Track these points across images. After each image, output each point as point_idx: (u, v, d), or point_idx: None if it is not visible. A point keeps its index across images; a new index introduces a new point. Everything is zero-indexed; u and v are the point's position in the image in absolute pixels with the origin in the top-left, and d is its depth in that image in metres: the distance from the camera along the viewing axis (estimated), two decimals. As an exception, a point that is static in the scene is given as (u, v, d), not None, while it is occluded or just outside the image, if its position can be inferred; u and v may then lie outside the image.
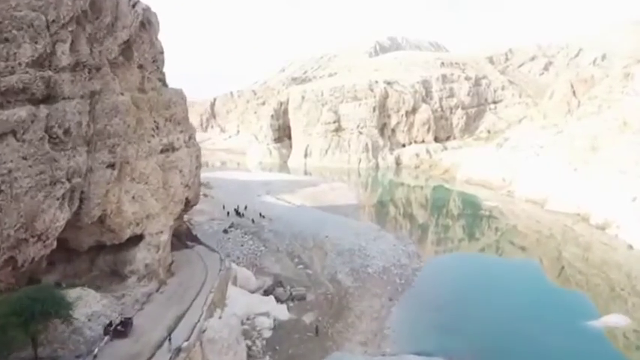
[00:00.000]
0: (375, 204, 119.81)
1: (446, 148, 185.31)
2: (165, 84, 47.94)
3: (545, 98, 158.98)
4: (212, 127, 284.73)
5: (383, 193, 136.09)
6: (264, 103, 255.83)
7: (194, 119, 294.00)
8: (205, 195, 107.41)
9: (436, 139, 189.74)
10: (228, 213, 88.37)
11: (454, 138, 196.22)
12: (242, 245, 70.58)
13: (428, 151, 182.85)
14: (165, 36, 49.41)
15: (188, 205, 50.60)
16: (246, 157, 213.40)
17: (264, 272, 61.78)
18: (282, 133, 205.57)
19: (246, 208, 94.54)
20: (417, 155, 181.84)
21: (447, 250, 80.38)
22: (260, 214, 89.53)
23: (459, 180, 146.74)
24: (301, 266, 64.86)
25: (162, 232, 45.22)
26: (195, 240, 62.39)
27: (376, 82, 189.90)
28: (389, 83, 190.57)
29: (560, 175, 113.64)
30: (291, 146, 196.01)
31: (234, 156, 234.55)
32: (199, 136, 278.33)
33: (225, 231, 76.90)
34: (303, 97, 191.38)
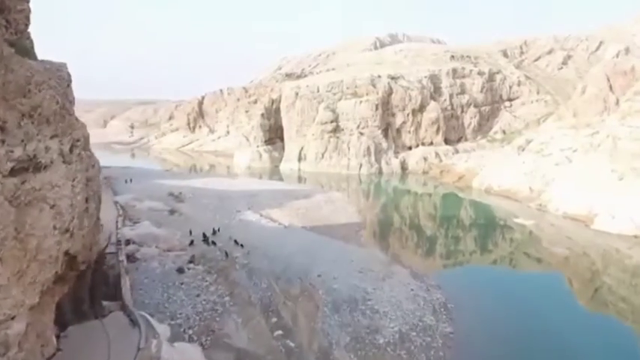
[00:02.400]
0: (380, 220, 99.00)
1: (457, 151, 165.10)
2: (27, 53, 27.18)
3: (576, 94, 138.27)
4: (200, 127, 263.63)
5: (389, 205, 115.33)
6: (256, 102, 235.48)
7: (181, 119, 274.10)
8: (172, 212, 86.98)
9: (446, 141, 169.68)
10: (192, 241, 67.43)
11: (466, 139, 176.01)
12: (198, 295, 49.65)
13: (437, 155, 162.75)
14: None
15: (75, 264, 29.63)
16: (234, 160, 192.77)
17: (223, 347, 40.90)
18: (274, 135, 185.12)
19: (216, 231, 73.80)
20: (426, 159, 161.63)
21: (486, 295, 59.20)
22: (235, 242, 68.83)
23: (477, 189, 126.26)
24: (280, 332, 43.93)
25: (12, 318, 24.46)
26: (119, 297, 41.78)
27: (379, 76, 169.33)
28: (393, 78, 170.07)
29: (605, 185, 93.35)
30: (283, 149, 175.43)
31: (224, 159, 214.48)
32: (187, 137, 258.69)
33: (181, 270, 55.99)
34: (296, 94, 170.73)
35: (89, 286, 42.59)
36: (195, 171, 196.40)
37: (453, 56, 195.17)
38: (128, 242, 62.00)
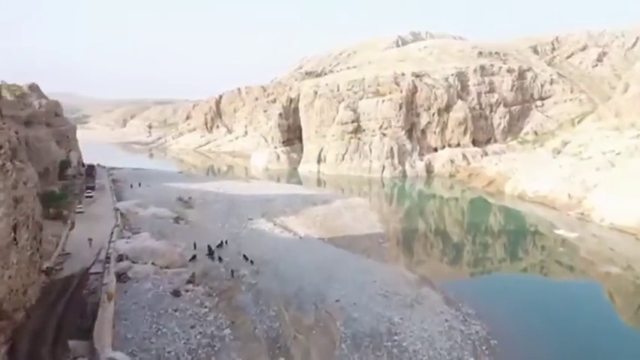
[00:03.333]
0: (405, 229, 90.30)
1: (486, 153, 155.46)
2: None
3: (617, 93, 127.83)
4: (217, 127, 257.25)
5: (414, 212, 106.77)
6: (274, 101, 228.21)
7: (198, 119, 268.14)
8: (178, 220, 79.87)
9: (474, 142, 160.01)
10: (194, 256, 60.00)
11: (495, 141, 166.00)
12: (193, 326, 42.05)
13: (465, 157, 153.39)
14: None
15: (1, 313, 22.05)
16: (251, 161, 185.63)
17: (217, 400, 33.31)
18: (293, 135, 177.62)
19: (224, 244, 66.32)
20: (452, 161, 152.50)
21: (534, 326, 50.24)
22: (244, 257, 61.23)
23: (509, 194, 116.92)
24: (288, 378, 36.25)
25: None
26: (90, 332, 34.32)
27: (402, 74, 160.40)
28: (418, 76, 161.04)
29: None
30: (302, 150, 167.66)
31: (242, 160, 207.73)
32: (204, 137, 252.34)
33: (177, 292, 48.56)
34: (315, 92, 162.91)
35: (59, 318, 35.37)
36: (213, 172, 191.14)
37: (480, 53, 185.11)
38: (121, 258, 54.79)
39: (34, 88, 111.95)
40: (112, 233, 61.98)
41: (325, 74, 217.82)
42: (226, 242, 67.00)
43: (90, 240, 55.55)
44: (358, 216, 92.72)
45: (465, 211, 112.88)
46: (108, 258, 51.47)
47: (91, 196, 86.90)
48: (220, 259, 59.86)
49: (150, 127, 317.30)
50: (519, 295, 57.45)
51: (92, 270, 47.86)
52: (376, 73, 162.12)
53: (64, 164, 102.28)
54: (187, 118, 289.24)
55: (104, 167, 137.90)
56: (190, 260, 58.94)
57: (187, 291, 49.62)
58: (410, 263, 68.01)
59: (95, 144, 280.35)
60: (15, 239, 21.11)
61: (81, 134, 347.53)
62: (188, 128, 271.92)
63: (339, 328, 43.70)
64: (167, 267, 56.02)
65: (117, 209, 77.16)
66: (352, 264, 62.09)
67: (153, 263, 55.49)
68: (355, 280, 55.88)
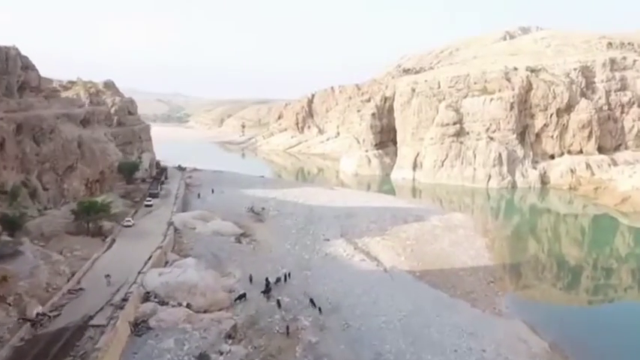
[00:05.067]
0: (523, 260, 71.34)
1: (615, 163, 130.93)
2: None
3: None
4: (309, 127, 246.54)
5: (534, 235, 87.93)
6: (369, 100, 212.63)
7: (289, 118, 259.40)
8: (241, 239, 67.62)
9: (599, 149, 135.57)
10: (243, 295, 46.74)
11: (626, 147, 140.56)
12: None
13: (589, 166, 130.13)
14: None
15: None
16: (340, 165, 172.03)
17: None
18: (386, 137, 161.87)
19: (287, 278, 52.58)
20: (573, 171, 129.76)
21: None
22: (310, 301, 46.82)
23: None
24: None
25: None
26: None
27: (514, 69, 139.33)
28: (533, 71, 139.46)
29: None
30: (395, 154, 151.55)
31: (332, 162, 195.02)
32: (295, 138, 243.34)
33: (205, 358, 35.27)
34: (413, 90, 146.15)
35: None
36: (303, 175, 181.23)
37: (610, 43, 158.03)
38: (148, 296, 42.86)
39: (109, 85, 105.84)
40: (150, 259, 50.28)
41: (425, 72, 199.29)
42: (289, 275, 53.17)
43: (108, 277, 43.80)
44: (459, 240, 75.46)
45: (585, 229, 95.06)
46: (124, 299, 39.46)
47: (150, 205, 77.14)
48: (279, 304, 45.82)
49: (243, 126, 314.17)
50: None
51: (95, 320, 35.87)
52: (483, 68, 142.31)
53: (132, 167, 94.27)
54: (279, 117, 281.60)
55: (184, 169, 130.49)
56: (238, 299, 45.78)
57: (222, 353, 36.34)
58: (532, 316, 50.03)
59: (190, 143, 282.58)
60: None
61: (177, 133, 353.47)
62: (279, 128, 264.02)
63: None
64: (206, 310, 43.31)
65: (171, 223, 66.05)
66: (452, 317, 45.84)
67: (188, 305, 42.96)
68: (456, 346, 39.88)
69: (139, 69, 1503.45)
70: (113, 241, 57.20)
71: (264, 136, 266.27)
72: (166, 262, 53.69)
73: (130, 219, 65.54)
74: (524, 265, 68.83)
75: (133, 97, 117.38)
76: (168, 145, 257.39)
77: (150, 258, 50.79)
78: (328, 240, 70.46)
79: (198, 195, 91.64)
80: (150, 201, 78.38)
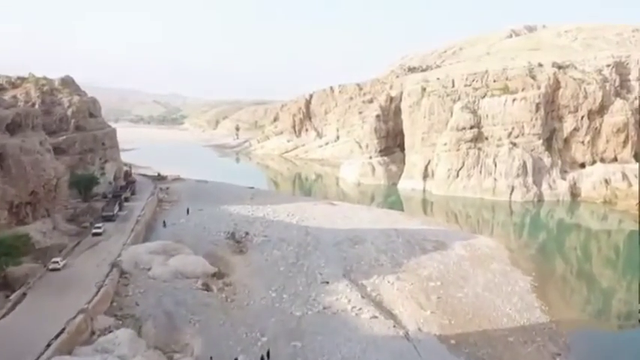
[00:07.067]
0: (592, 315, 54.54)
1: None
2: None
3: None
4: (307, 130, 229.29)
5: (586, 266, 71.66)
6: (371, 101, 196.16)
7: (286, 121, 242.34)
8: (210, 285, 50.96)
9: (637, 156, 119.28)
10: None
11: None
12: None
13: (625, 176, 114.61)
14: None
15: None
16: (340, 172, 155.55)
17: None
18: (392, 142, 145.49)
19: (267, 358, 35.89)
20: (607, 182, 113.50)
21: None
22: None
23: None
24: None
25: None
26: None
27: (540, 65, 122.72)
28: (560, 67, 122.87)
29: None
30: (402, 161, 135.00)
31: (331, 169, 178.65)
32: (291, 142, 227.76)
33: None
34: (423, 90, 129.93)
35: None
36: (300, 181, 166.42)
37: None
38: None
39: (67, 82, 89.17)
40: (60, 334, 33.53)
41: (433, 70, 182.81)
42: (267, 356, 36.40)
43: None
44: (495, 279, 58.72)
45: (620, 247, 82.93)
46: None
47: (99, 234, 60.18)
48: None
49: (237, 128, 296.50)
50: None
51: None
52: (504, 65, 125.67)
53: (88, 181, 77.47)
54: (275, 119, 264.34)
55: (164, 178, 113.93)
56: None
57: None
58: None
59: (182, 146, 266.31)
60: None
61: (169, 135, 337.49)
62: (275, 131, 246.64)
63: None
64: None
65: (115, 265, 49.11)
66: None
67: None
68: None
69: (138, 69, 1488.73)
70: (22, 296, 40.39)
71: (258, 140, 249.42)
72: (92, 333, 37.03)
73: (59, 259, 48.38)
74: (594, 319, 52.12)
75: (130, 98, 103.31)
76: (157, 149, 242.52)
77: (62, 332, 33.99)
78: (328, 282, 53.65)
79: (164, 223, 72.63)
80: (99, 228, 61.13)
